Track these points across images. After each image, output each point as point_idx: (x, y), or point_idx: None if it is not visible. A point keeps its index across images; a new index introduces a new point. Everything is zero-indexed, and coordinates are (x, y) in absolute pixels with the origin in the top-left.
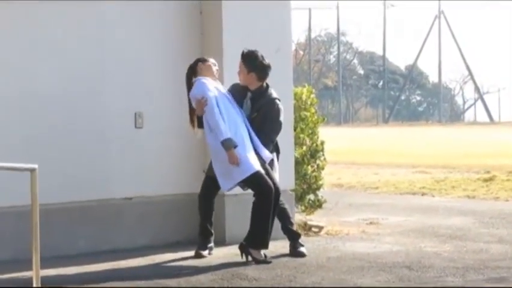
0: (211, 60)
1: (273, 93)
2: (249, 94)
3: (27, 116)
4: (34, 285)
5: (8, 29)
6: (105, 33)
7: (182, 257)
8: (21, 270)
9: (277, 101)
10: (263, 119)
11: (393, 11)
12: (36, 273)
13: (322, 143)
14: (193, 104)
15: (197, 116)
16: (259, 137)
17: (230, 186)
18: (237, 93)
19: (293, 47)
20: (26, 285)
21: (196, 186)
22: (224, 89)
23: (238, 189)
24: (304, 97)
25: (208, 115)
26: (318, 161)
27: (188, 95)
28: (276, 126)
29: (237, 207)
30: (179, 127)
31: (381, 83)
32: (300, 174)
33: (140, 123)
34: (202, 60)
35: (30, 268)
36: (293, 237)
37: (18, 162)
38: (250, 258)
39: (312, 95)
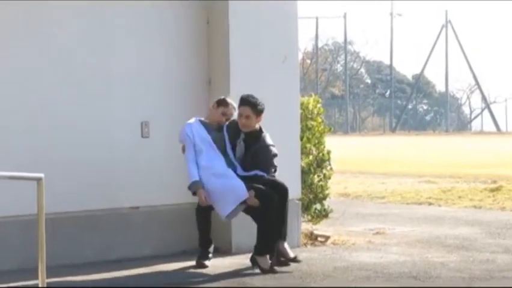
0: (232, 105)
1: (267, 138)
2: (242, 135)
3: (33, 125)
4: None
5: (14, 36)
6: (112, 42)
7: (188, 266)
8: (27, 280)
9: (271, 148)
10: (256, 163)
11: (400, 20)
12: (42, 283)
13: (328, 152)
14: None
15: None
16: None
17: (228, 212)
18: (233, 132)
19: (300, 56)
20: None
21: None
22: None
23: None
24: (311, 106)
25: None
26: (324, 171)
27: None
28: (270, 168)
29: (242, 217)
30: None
31: (388, 92)
32: (307, 184)
33: (146, 132)
34: (223, 104)
35: (36, 277)
36: None
37: (25, 171)
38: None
39: (319, 105)
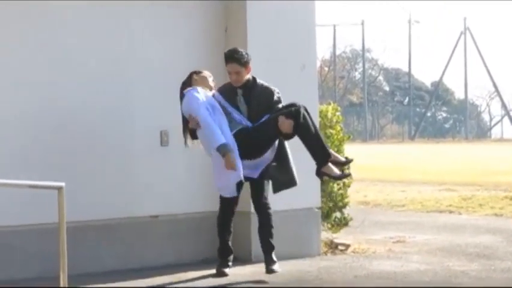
0: (206, 72)
1: (264, 82)
2: (240, 92)
3: (54, 134)
4: None
5: (31, 44)
6: (131, 49)
7: (208, 274)
8: None
9: (272, 88)
10: (263, 109)
11: (418, 27)
12: None
13: None
14: (187, 117)
15: (190, 128)
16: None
17: (230, 191)
18: (228, 94)
19: (318, 64)
20: None
21: None
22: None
23: None
24: (329, 115)
25: (204, 126)
26: (344, 179)
27: (181, 108)
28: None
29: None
30: None
31: (406, 100)
32: (326, 192)
33: (165, 141)
34: (197, 72)
35: (56, 285)
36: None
37: (46, 180)
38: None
39: (338, 113)
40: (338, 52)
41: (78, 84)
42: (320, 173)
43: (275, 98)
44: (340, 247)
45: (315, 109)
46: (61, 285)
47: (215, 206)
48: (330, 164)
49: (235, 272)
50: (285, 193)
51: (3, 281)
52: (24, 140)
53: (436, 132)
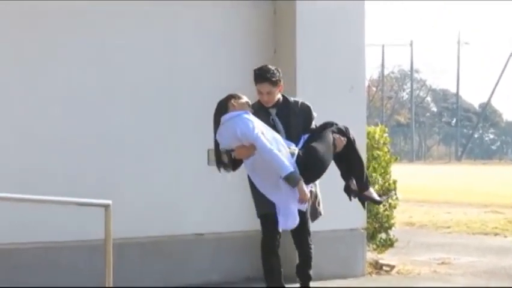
0: (245, 98)
1: (295, 98)
2: (273, 111)
3: (101, 152)
4: None
5: (80, 60)
6: (178, 67)
7: None
8: None
9: (308, 103)
10: (301, 128)
11: (467, 48)
12: None
13: (394, 182)
14: (231, 146)
15: (234, 158)
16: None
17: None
18: (261, 116)
19: (366, 84)
20: None
21: None
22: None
23: (311, 226)
24: (377, 136)
25: (263, 154)
26: (390, 200)
27: (215, 135)
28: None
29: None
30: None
31: (454, 121)
32: (372, 213)
33: (212, 160)
34: (235, 97)
35: None
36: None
37: (92, 197)
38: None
39: (385, 134)
40: (386, 72)
41: (123, 103)
42: (362, 197)
43: (314, 115)
44: (385, 268)
45: (363, 130)
46: None
47: (259, 225)
48: (371, 188)
49: None
50: (331, 213)
51: None
52: (71, 157)
53: (483, 153)
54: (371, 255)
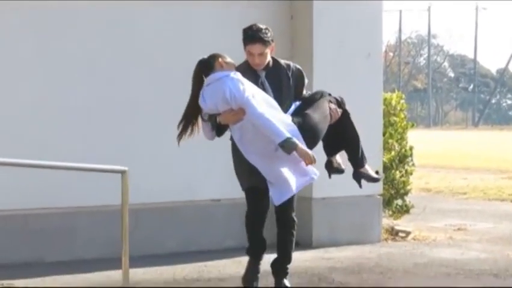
0: (231, 60)
1: (285, 61)
2: (262, 74)
3: (118, 119)
4: (123, 285)
5: (105, 39)
6: (199, 44)
7: (269, 259)
8: (110, 269)
9: (300, 68)
10: (291, 94)
11: (485, 13)
12: (125, 274)
13: (411, 148)
14: (218, 110)
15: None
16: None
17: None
18: (248, 79)
19: (383, 49)
20: (115, 284)
21: None
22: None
23: (327, 192)
24: (393, 102)
25: (254, 119)
26: (406, 166)
27: (194, 95)
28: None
29: (324, 211)
30: None
31: (471, 86)
32: (388, 180)
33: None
34: (222, 56)
35: (119, 266)
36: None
37: (109, 163)
38: None
39: (402, 100)
40: (403, 37)
41: (142, 71)
42: (357, 175)
43: (305, 81)
44: (401, 234)
45: (379, 97)
46: (123, 268)
47: None
48: (366, 165)
49: (295, 257)
50: (346, 179)
51: (67, 261)
52: (89, 125)
53: (500, 119)
54: (386, 222)
